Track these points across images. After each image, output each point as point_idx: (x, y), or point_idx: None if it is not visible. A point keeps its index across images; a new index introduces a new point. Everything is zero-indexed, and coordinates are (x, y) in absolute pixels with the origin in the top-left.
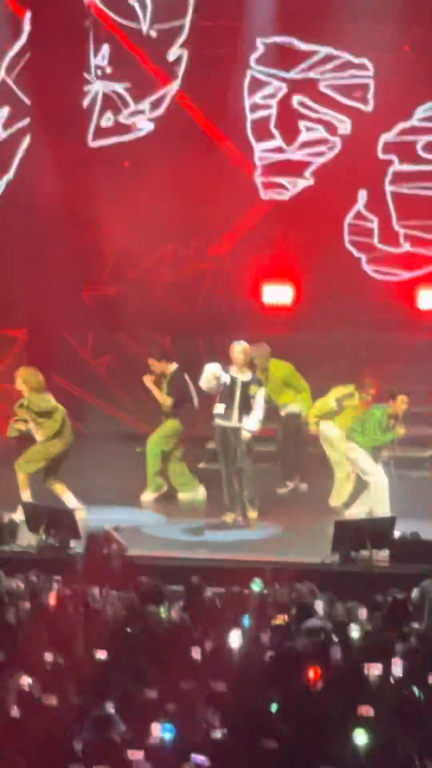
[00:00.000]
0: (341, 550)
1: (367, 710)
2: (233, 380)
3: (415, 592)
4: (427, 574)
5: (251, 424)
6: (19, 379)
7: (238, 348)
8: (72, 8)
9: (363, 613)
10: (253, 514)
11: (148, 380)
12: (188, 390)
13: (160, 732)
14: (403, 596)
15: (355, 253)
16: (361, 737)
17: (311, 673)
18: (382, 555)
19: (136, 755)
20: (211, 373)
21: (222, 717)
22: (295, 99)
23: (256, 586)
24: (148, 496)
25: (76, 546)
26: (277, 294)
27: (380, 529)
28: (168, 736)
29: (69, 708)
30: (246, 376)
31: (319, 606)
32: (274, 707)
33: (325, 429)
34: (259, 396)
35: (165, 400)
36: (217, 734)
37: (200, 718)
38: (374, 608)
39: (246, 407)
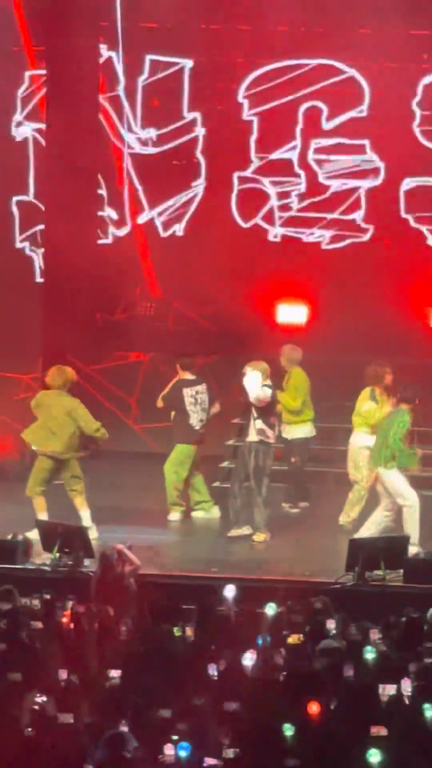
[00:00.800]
0: (355, 568)
1: (379, 730)
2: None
3: (430, 612)
4: None
5: (252, 394)
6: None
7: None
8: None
9: (376, 632)
10: (259, 537)
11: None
12: (182, 402)
13: (176, 750)
14: (418, 616)
15: None
16: (374, 758)
17: (313, 708)
18: (396, 574)
19: None
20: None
21: (234, 736)
22: None
23: (271, 609)
24: (174, 516)
25: (90, 564)
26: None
27: (394, 548)
28: (183, 754)
29: (82, 727)
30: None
31: (333, 625)
32: (288, 730)
33: (358, 440)
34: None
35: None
36: (230, 754)
37: (213, 738)
38: (388, 628)
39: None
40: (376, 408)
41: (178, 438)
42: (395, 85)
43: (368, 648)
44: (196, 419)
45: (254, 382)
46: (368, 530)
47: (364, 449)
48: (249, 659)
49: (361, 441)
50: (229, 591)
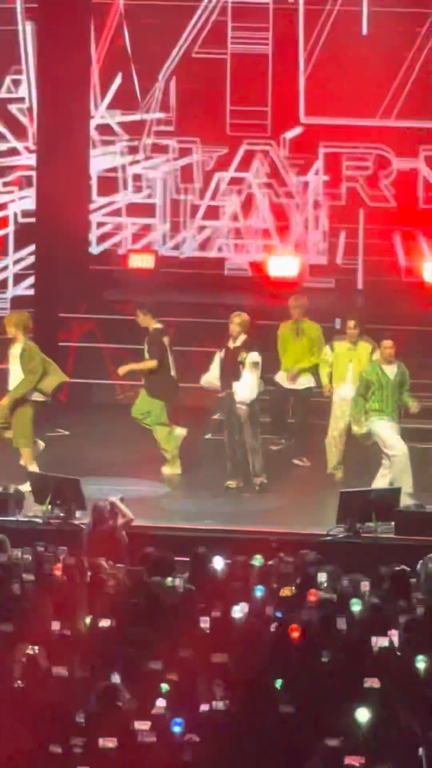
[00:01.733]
0: (347, 521)
1: (372, 682)
2: (226, 351)
3: (420, 564)
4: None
5: (241, 395)
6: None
7: (237, 320)
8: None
9: (367, 584)
10: (257, 479)
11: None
12: (167, 352)
13: (171, 726)
14: (408, 568)
15: None
16: (364, 710)
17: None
18: (388, 526)
19: (142, 726)
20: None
21: (225, 688)
22: None
23: (257, 561)
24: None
25: (82, 516)
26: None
27: (386, 501)
28: (177, 729)
29: (74, 679)
30: (237, 341)
31: (324, 578)
32: (278, 683)
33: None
34: (247, 361)
35: (146, 363)
36: (220, 705)
37: (203, 689)
38: (379, 580)
39: (235, 375)
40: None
41: (167, 395)
42: None
43: (355, 600)
44: (174, 371)
45: (248, 384)
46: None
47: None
48: (240, 611)
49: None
50: (218, 563)
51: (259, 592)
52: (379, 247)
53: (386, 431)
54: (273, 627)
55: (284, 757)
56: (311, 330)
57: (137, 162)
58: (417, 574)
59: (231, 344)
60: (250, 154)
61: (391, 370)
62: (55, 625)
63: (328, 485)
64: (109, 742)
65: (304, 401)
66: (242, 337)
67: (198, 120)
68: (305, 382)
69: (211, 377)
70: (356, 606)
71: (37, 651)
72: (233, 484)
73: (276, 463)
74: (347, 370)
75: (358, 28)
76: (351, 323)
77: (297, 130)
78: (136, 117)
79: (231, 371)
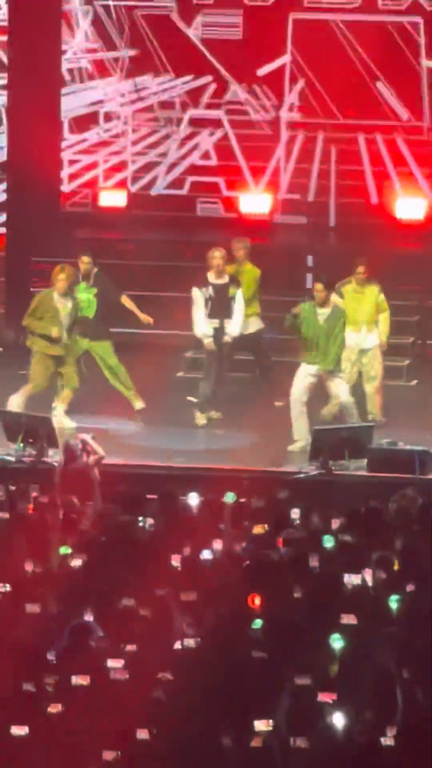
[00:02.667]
0: (319, 458)
1: (348, 618)
2: (214, 287)
3: (391, 501)
4: (405, 484)
5: (233, 328)
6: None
7: (218, 254)
8: None
9: (340, 522)
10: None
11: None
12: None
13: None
14: (381, 506)
15: None
16: (337, 643)
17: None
18: (360, 464)
19: (114, 664)
20: (198, 295)
21: (197, 626)
22: None
23: (229, 498)
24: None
25: (54, 455)
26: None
27: (358, 438)
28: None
29: (46, 616)
30: (223, 279)
31: (296, 515)
32: (258, 623)
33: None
34: (238, 297)
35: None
36: (191, 643)
37: (175, 627)
38: (351, 517)
39: (227, 310)
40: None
41: (109, 334)
42: None
43: (327, 537)
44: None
45: (240, 319)
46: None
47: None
48: (211, 550)
49: None
50: (193, 499)
51: (225, 529)
52: (351, 188)
53: (297, 376)
54: (245, 565)
55: (256, 695)
56: (250, 273)
57: (110, 100)
58: (389, 512)
59: (216, 280)
60: (221, 89)
61: (322, 314)
62: (28, 563)
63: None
64: (81, 680)
65: (256, 344)
66: (225, 272)
67: (171, 53)
68: (254, 326)
69: (202, 321)
70: (329, 542)
71: (8, 589)
72: (204, 419)
73: (249, 401)
74: (357, 314)
75: None
76: (360, 268)
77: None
78: (109, 54)
79: (221, 307)
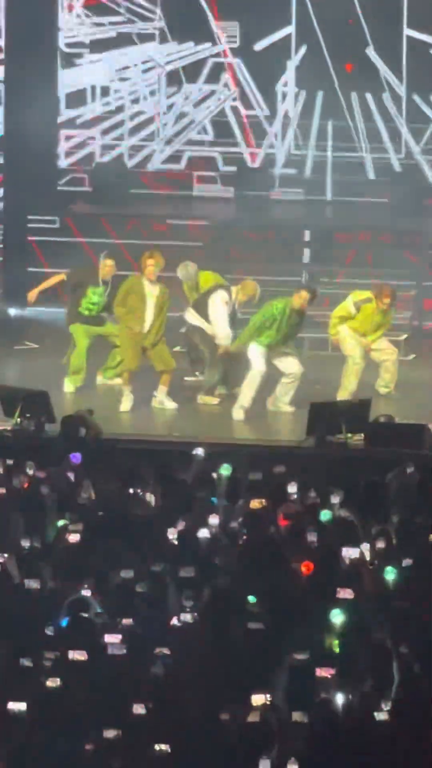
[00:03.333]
0: (316, 432)
1: (345, 593)
2: None
3: (389, 476)
4: (403, 458)
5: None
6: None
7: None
8: None
9: (338, 496)
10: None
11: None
12: None
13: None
14: (379, 480)
15: None
16: (337, 618)
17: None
18: (358, 438)
19: (112, 639)
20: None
21: (195, 601)
22: None
23: (225, 470)
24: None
25: (51, 429)
26: None
27: (356, 412)
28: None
29: (44, 591)
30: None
31: (294, 489)
32: (252, 599)
33: (342, 332)
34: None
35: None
36: (188, 618)
37: (173, 602)
38: (350, 492)
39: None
40: (348, 313)
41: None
42: None
43: (325, 511)
44: None
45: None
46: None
47: None
48: (207, 526)
49: (344, 332)
50: (199, 452)
51: (223, 504)
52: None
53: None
54: (241, 540)
55: (254, 670)
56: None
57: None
58: (386, 486)
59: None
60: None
61: (297, 320)
62: (25, 539)
63: (298, 397)
64: (78, 655)
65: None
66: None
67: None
68: None
69: (227, 322)
70: (326, 516)
71: (6, 557)
72: (216, 400)
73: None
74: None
75: None
76: (386, 300)
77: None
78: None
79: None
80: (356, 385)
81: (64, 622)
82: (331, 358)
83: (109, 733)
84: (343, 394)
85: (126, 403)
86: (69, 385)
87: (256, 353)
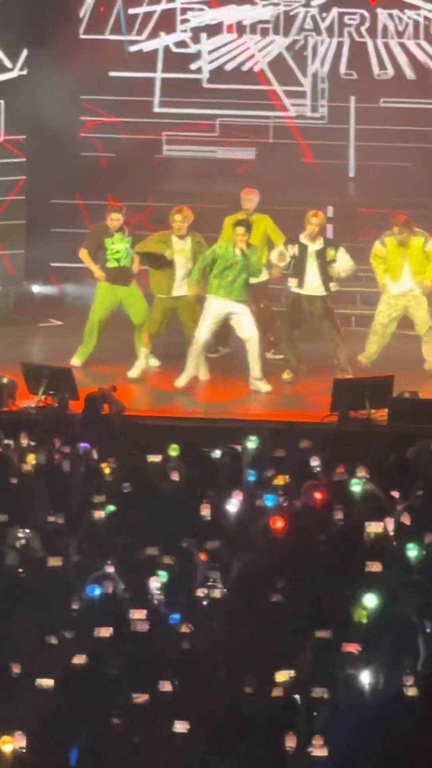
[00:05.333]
0: (340, 408)
1: (374, 566)
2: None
3: (410, 452)
4: (427, 434)
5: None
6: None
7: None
8: None
9: (363, 471)
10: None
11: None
12: None
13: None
14: (402, 455)
15: None
16: (370, 602)
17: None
18: (381, 414)
19: (137, 614)
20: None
21: (223, 576)
22: None
23: (251, 443)
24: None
25: (75, 406)
26: None
27: (379, 388)
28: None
29: (69, 568)
30: (319, 243)
31: (317, 463)
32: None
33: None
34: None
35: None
36: (216, 593)
37: (201, 575)
38: (373, 467)
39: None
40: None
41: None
42: None
43: (354, 481)
44: None
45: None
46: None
47: None
48: (234, 502)
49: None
50: (216, 448)
51: (251, 477)
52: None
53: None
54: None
55: (279, 647)
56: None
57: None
58: (410, 462)
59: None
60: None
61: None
62: (51, 517)
63: (322, 372)
64: (104, 632)
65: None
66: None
67: None
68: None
69: None
70: (356, 486)
71: (29, 533)
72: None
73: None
74: (401, 265)
75: None
76: (395, 229)
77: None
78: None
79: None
80: (375, 354)
81: (92, 591)
82: (353, 334)
83: (136, 708)
84: (363, 359)
85: (136, 370)
86: (75, 359)
87: (206, 316)
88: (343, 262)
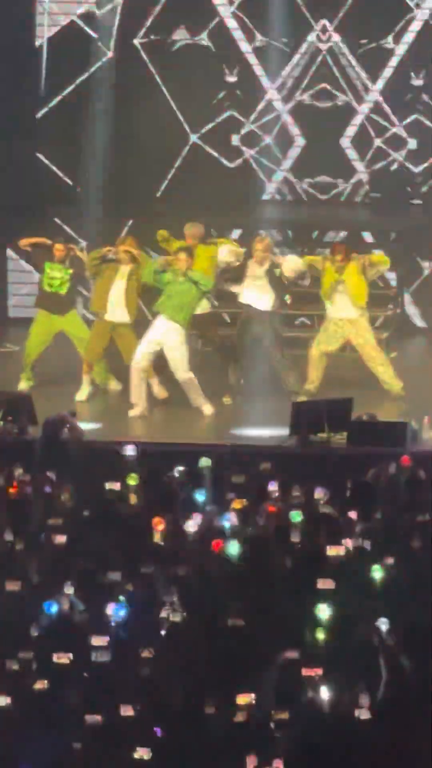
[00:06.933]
0: (299, 431)
1: (326, 584)
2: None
3: (371, 474)
4: (386, 456)
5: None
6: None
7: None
8: None
9: (321, 493)
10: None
11: None
12: None
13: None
14: (361, 478)
15: None
16: (322, 613)
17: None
18: (340, 437)
19: (99, 642)
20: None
21: (182, 600)
22: None
23: (204, 463)
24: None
25: (34, 431)
26: None
27: (338, 411)
28: (121, 613)
29: (27, 593)
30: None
31: (275, 488)
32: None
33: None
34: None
35: None
36: (177, 617)
37: (160, 602)
38: (332, 490)
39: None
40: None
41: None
42: None
43: (295, 513)
44: None
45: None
46: None
47: None
48: (193, 524)
49: None
50: (173, 471)
51: (206, 504)
52: None
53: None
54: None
55: (242, 670)
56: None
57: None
58: (368, 484)
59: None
60: None
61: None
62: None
63: (283, 395)
64: (63, 658)
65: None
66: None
67: None
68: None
69: None
70: (296, 518)
71: None
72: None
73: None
74: (334, 289)
75: None
76: (338, 256)
77: None
78: None
79: None
80: (317, 378)
81: (49, 609)
82: (334, 358)
83: (98, 735)
84: (309, 386)
85: (82, 393)
86: (23, 383)
87: (145, 336)
88: (290, 261)
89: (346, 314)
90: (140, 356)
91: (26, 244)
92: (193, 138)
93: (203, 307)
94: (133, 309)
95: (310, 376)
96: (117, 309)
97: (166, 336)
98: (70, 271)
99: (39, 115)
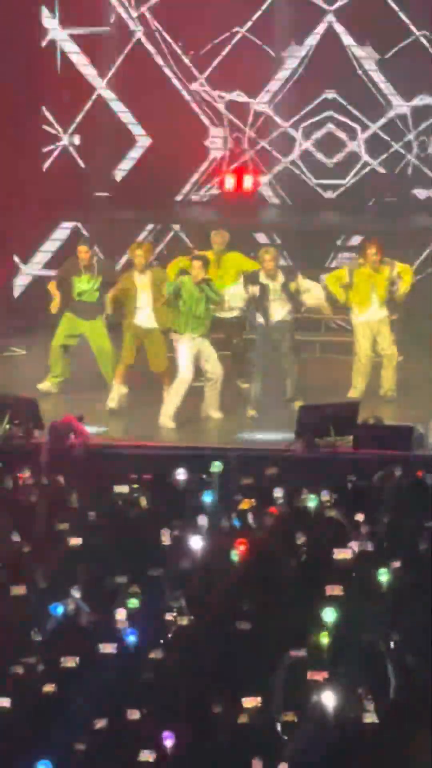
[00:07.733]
0: (305, 435)
1: (334, 590)
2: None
3: (377, 478)
4: (391, 460)
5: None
6: None
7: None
8: None
9: (327, 496)
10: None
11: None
12: None
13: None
14: (367, 482)
15: None
16: (328, 616)
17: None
18: (346, 441)
19: (107, 649)
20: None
21: (189, 602)
22: None
23: (216, 468)
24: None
25: (40, 436)
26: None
27: (344, 415)
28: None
29: (33, 597)
30: (280, 278)
31: (280, 493)
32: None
33: (354, 325)
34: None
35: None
36: (184, 620)
37: (167, 604)
38: (338, 493)
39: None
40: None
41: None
42: None
43: (317, 512)
44: None
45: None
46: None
47: None
48: (200, 531)
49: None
50: (181, 474)
51: (213, 506)
52: None
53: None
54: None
55: (249, 671)
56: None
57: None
58: (375, 487)
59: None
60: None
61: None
62: (16, 541)
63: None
64: (70, 662)
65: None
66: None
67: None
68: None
69: None
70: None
71: None
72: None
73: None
74: (369, 295)
75: None
76: (371, 249)
77: None
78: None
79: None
80: (363, 384)
81: (54, 610)
82: (341, 362)
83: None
84: (354, 394)
85: (113, 401)
86: (44, 384)
87: (183, 354)
88: (314, 290)
89: (377, 316)
90: (187, 371)
91: (54, 288)
92: None
93: (230, 311)
94: (164, 315)
95: (358, 384)
96: (146, 315)
97: (200, 346)
98: (99, 278)
99: None
